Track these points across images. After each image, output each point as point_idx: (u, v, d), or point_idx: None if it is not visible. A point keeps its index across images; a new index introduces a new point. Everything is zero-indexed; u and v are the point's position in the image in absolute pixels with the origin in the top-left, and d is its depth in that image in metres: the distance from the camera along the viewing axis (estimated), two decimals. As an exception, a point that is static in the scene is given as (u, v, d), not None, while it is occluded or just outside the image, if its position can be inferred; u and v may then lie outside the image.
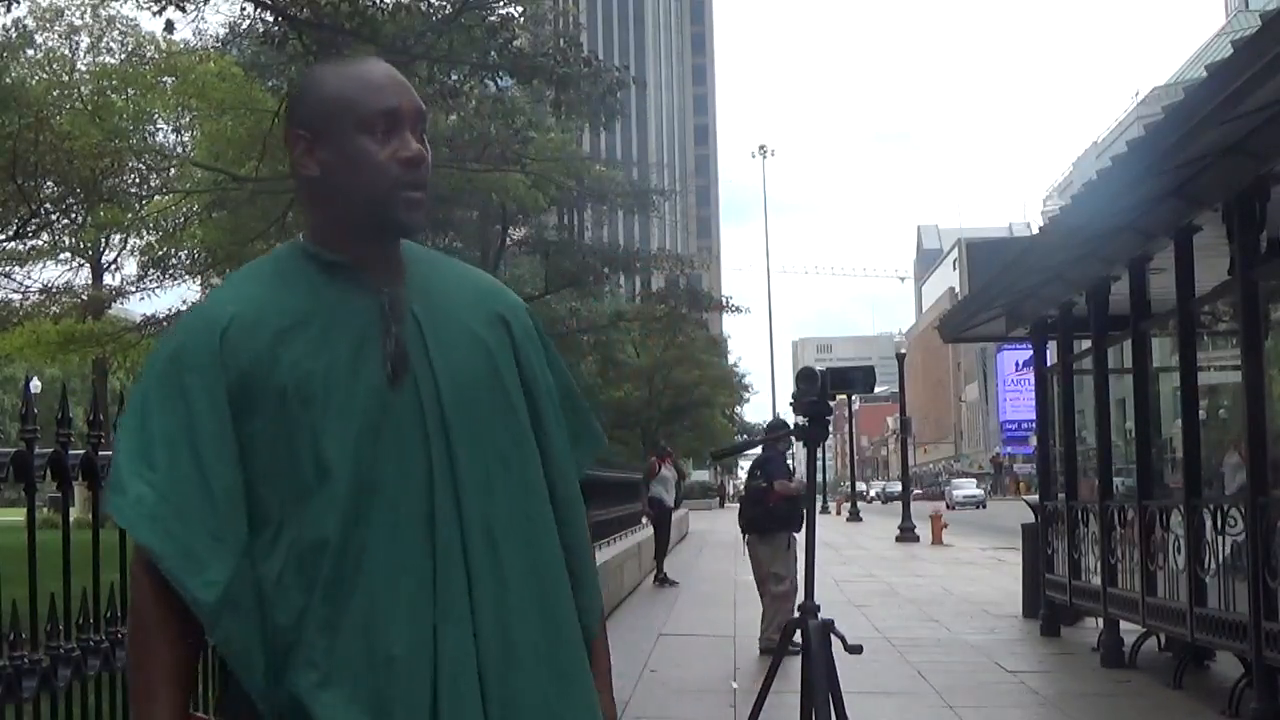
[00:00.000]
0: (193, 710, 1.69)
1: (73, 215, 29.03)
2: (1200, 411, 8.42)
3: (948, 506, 49.47)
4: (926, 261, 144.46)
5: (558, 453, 1.83)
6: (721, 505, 62.10)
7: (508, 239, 33.94)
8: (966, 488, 66.08)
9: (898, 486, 75.39)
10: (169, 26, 20.42)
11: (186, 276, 31.43)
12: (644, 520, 17.48)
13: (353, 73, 1.77)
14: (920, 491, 74.78)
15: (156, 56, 29.58)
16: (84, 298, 32.73)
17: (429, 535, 1.66)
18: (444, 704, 1.62)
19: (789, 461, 10.79)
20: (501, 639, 1.67)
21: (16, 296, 33.01)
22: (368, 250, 1.73)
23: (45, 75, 29.65)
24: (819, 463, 5.16)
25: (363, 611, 1.62)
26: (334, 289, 1.72)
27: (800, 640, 4.65)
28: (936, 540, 25.55)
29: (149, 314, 31.00)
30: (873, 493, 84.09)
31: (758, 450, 11.14)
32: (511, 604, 1.68)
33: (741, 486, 12.12)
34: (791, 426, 6.02)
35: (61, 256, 33.35)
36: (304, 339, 1.68)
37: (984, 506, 56.57)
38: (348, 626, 1.62)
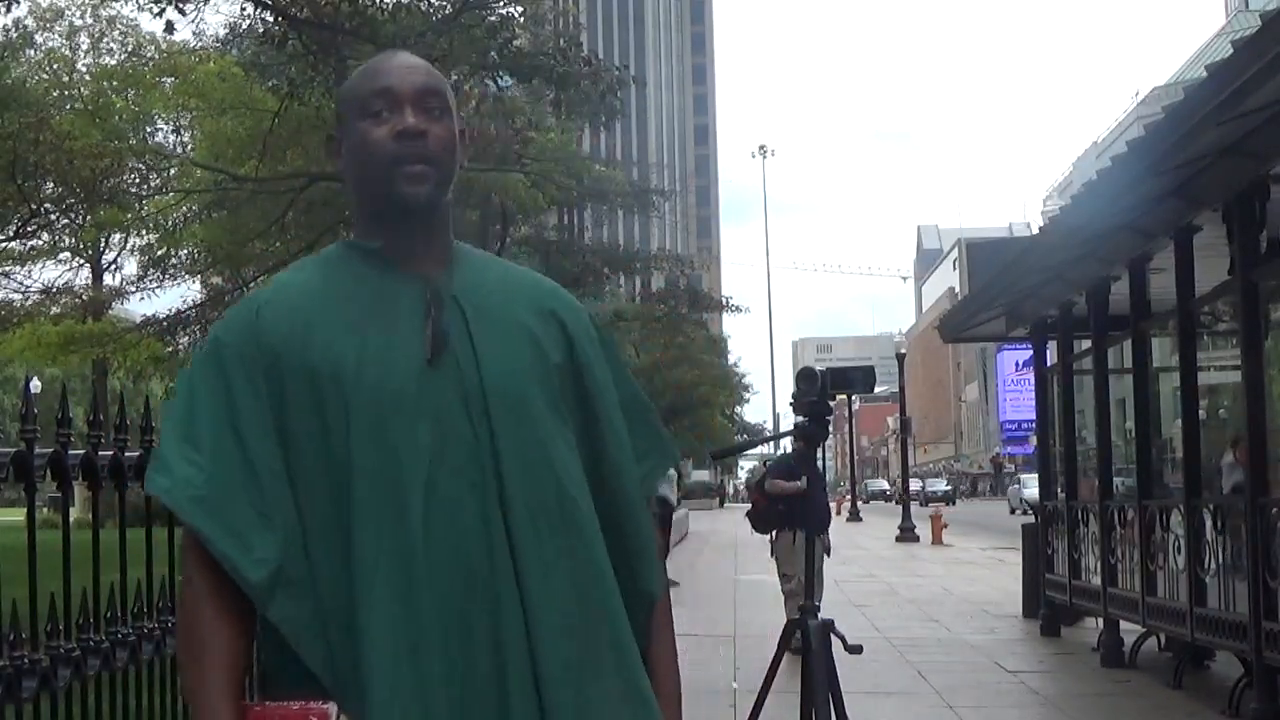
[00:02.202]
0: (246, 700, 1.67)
1: (73, 215, 29.04)
2: (1200, 411, 8.43)
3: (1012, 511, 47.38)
4: (926, 261, 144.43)
5: (617, 455, 1.80)
6: (721, 505, 62.06)
7: (508, 239, 33.94)
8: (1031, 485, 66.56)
9: (940, 483, 74.16)
10: (169, 27, 20.40)
11: (186, 276, 31.43)
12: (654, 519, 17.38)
13: (363, 68, 1.81)
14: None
15: (156, 56, 29.59)
16: (84, 298, 32.75)
17: (475, 514, 1.65)
18: (504, 681, 1.61)
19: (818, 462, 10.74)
20: (544, 620, 1.65)
21: (16, 297, 33.05)
22: (407, 239, 1.73)
23: (45, 75, 29.65)
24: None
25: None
26: (375, 275, 1.73)
27: (800, 639, 4.65)
28: (936, 540, 25.55)
29: (149, 314, 31.00)
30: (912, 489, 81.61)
31: (758, 450, 11.12)
32: (553, 586, 1.66)
33: (742, 486, 12.10)
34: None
35: (61, 256, 33.37)
36: (340, 319, 1.69)
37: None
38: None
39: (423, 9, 19.55)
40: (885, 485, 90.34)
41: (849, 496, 50.75)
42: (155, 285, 32.39)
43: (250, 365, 1.67)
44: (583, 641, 1.67)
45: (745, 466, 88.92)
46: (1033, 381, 12.70)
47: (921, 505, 54.85)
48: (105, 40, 31.21)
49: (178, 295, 43.99)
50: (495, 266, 1.85)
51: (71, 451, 3.38)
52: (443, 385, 1.67)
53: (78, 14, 31.01)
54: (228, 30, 25.89)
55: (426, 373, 1.67)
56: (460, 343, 1.70)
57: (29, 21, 29.58)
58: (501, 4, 20.78)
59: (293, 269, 1.82)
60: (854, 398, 71.62)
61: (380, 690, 1.58)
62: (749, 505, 10.24)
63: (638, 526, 1.81)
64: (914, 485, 69.09)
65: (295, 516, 1.64)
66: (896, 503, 52.77)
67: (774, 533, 9.91)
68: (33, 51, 30.24)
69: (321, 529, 1.64)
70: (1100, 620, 9.46)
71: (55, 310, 31.75)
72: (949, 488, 73.35)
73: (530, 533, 1.66)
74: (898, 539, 27.07)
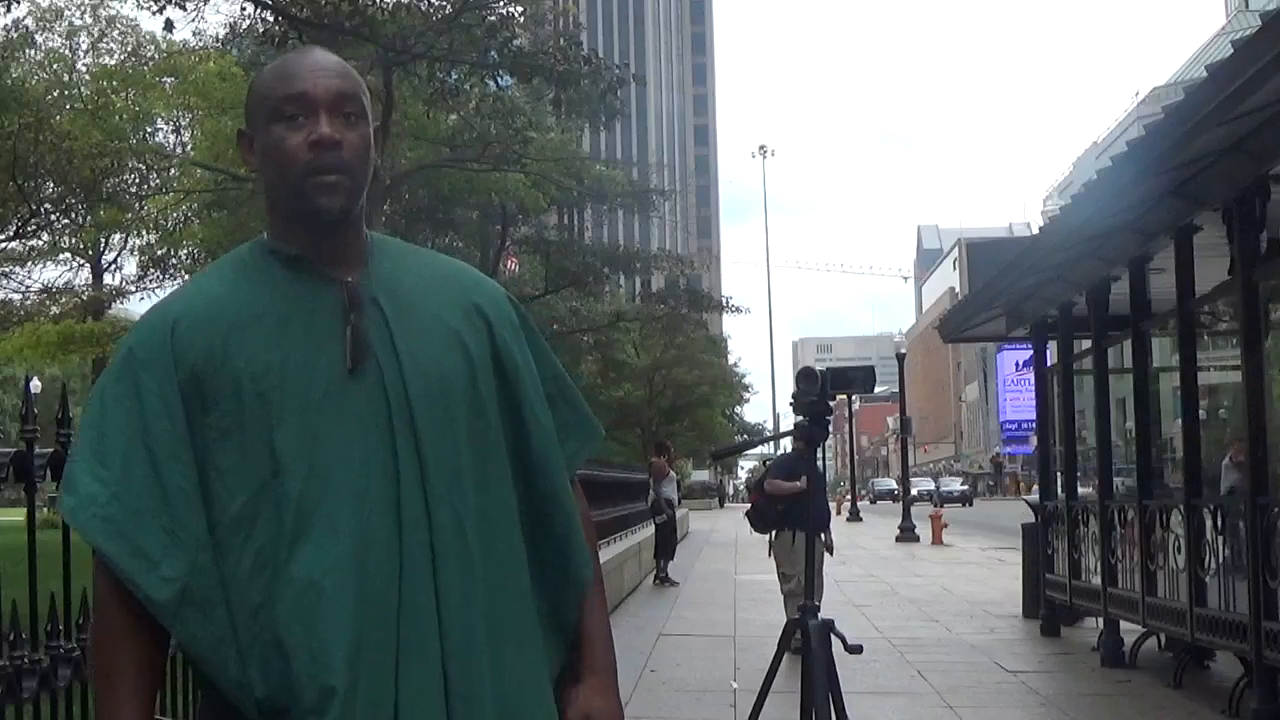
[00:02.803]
0: (159, 716, 1.67)
1: (73, 215, 29.05)
2: (1200, 411, 8.42)
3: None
4: (926, 261, 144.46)
5: (540, 443, 1.79)
6: (721, 505, 62.02)
7: (508, 239, 33.94)
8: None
9: (956, 483, 68.28)
10: (169, 26, 20.46)
11: (186, 276, 31.44)
12: (664, 517, 17.18)
13: (277, 65, 1.76)
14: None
15: (156, 56, 29.61)
16: (84, 298, 32.76)
17: (395, 525, 1.63)
18: (404, 693, 1.60)
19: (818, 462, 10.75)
20: (463, 629, 1.64)
21: (16, 296, 33.07)
22: (321, 242, 1.70)
23: (45, 75, 29.66)
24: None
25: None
26: (293, 282, 1.70)
27: (800, 639, 4.65)
28: (936, 540, 25.54)
29: (149, 314, 30.96)
30: (916, 490, 73.71)
31: (758, 450, 11.12)
32: (477, 594, 1.66)
33: (742, 486, 12.11)
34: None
35: (61, 256, 33.40)
36: (260, 331, 1.66)
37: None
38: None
39: (423, 9, 19.56)
40: (893, 485, 79.71)
41: (849, 496, 50.61)
42: (155, 285, 32.43)
43: (165, 381, 1.64)
44: (490, 646, 1.68)
45: (745, 466, 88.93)
46: (1033, 381, 12.70)
47: (938, 506, 53.07)
48: (105, 40, 31.24)
49: (178, 295, 44.05)
50: (414, 259, 1.82)
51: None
52: (366, 393, 1.65)
53: (78, 14, 31.05)
54: (228, 30, 25.89)
55: (349, 381, 1.65)
56: (382, 347, 1.68)
57: (29, 21, 29.60)
58: (501, 4, 20.80)
59: (205, 276, 1.77)
60: (854, 398, 71.15)
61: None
62: (749, 505, 10.23)
63: (565, 514, 1.81)
64: (927, 485, 67.01)
65: (205, 535, 1.61)
66: (897, 501, 51.98)
67: (774, 533, 9.91)
68: (33, 51, 30.25)
69: (242, 543, 1.61)
70: (1100, 620, 9.45)
71: (55, 310, 31.76)
72: (965, 487, 68.23)
73: (452, 547, 1.66)
74: (898, 539, 27.06)
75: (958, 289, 78.69)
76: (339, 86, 1.69)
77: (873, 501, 70.41)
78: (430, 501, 1.65)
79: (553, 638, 1.79)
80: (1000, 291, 11.07)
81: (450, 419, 1.69)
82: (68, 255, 33.58)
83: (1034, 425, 15.53)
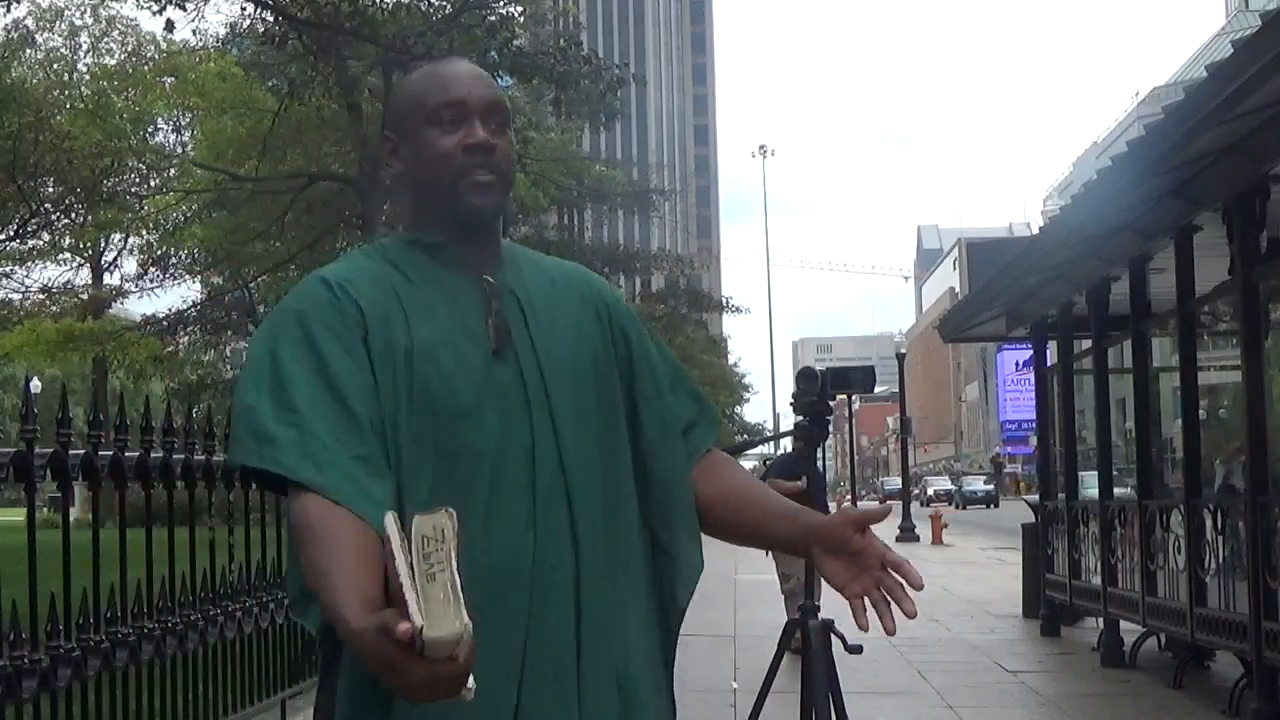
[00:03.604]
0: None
1: (73, 215, 29.04)
2: (1200, 411, 8.42)
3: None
4: (926, 261, 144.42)
5: (660, 432, 1.87)
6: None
7: (508, 238, 33.92)
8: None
9: (979, 482, 59.94)
10: (169, 26, 20.45)
11: (186, 276, 31.46)
12: None
13: (428, 71, 1.86)
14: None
15: (156, 56, 29.60)
16: (84, 297, 32.76)
17: (530, 507, 1.69)
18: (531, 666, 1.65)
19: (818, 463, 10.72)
20: (596, 607, 1.71)
21: (16, 296, 33.07)
22: (465, 241, 1.80)
23: (45, 75, 29.66)
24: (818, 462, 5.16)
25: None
26: (436, 269, 1.79)
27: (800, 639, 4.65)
28: (936, 540, 25.55)
29: (149, 313, 31.01)
30: (933, 489, 62.87)
31: (758, 450, 11.09)
32: (606, 571, 1.73)
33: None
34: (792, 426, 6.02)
35: (61, 256, 33.37)
36: (412, 306, 1.73)
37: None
38: None
39: (423, 9, 19.56)
40: (980, 483, 69.22)
41: (849, 496, 50.49)
42: (155, 285, 32.44)
43: (339, 332, 1.69)
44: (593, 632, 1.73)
45: (745, 466, 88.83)
46: (1033, 381, 12.70)
47: (959, 508, 50.65)
48: (105, 40, 31.23)
49: (178, 295, 44.01)
50: (541, 261, 1.93)
51: (71, 451, 3.39)
52: (507, 377, 1.73)
53: (78, 14, 31.04)
54: (228, 30, 25.91)
55: (493, 363, 1.73)
56: (520, 338, 1.76)
57: (29, 21, 29.60)
58: (501, 4, 20.80)
59: (351, 257, 1.86)
60: (854, 398, 70.88)
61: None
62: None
63: (682, 503, 1.88)
64: (943, 484, 64.90)
65: (387, 469, 1.65)
66: (923, 504, 50.56)
67: None
68: (33, 51, 30.25)
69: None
70: (1100, 620, 9.46)
71: (55, 310, 31.76)
72: (990, 486, 59.43)
73: (592, 528, 1.73)
74: (898, 539, 27.05)
75: (958, 289, 78.66)
76: (491, 96, 1.81)
77: (881, 501, 67.47)
78: (569, 484, 1.72)
79: (661, 621, 1.86)
80: (1000, 291, 11.07)
81: (580, 406, 1.77)
82: (68, 255, 33.56)
83: (1034, 425, 15.52)
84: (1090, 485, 9.63)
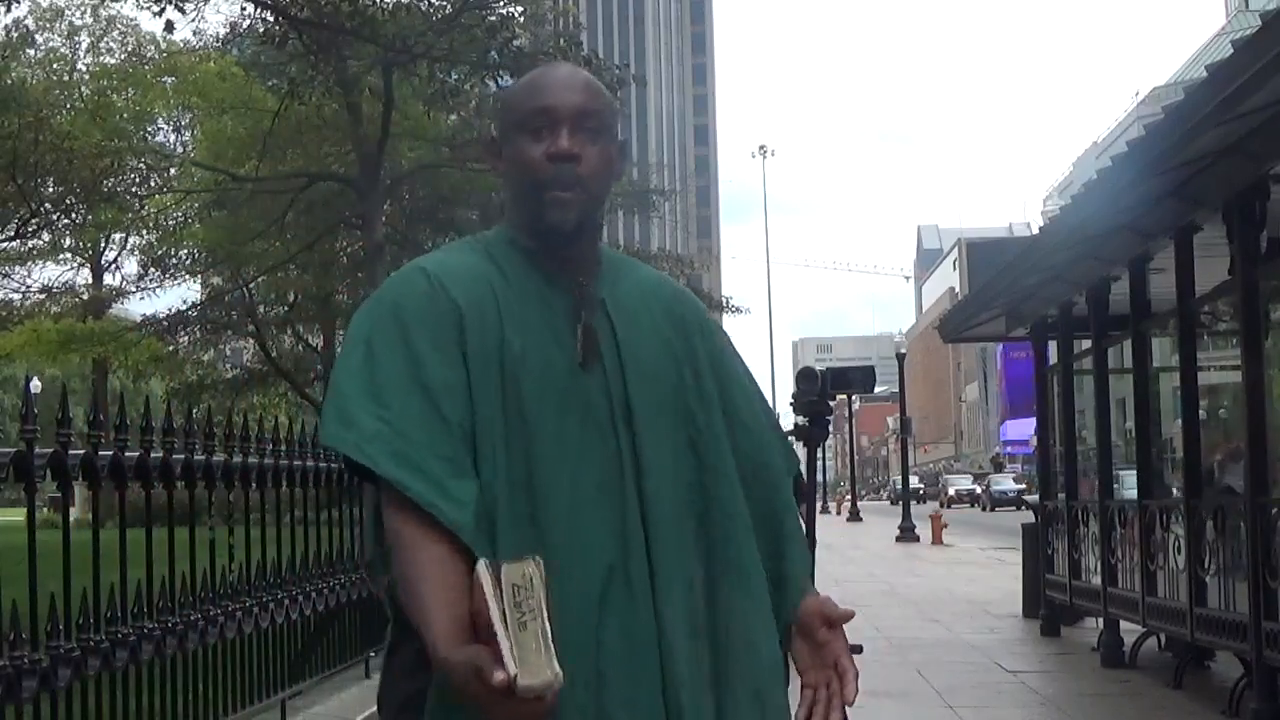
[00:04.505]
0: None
1: (73, 215, 29.04)
2: (1200, 411, 8.42)
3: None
4: (926, 261, 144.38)
5: (754, 446, 1.88)
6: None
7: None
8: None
9: (1008, 481, 50.85)
10: (169, 26, 20.43)
11: (186, 276, 31.44)
12: None
13: (529, 77, 1.87)
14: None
15: (156, 56, 29.61)
16: (84, 297, 32.76)
17: (605, 520, 1.69)
18: (612, 670, 1.65)
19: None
20: (679, 614, 1.72)
21: (16, 296, 33.07)
22: (559, 249, 1.79)
23: (45, 75, 29.66)
24: (819, 462, 5.15)
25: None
26: (530, 273, 1.79)
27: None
28: (936, 540, 25.55)
29: (149, 314, 30.99)
30: (955, 489, 58.35)
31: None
32: (679, 590, 1.73)
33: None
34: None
35: (61, 256, 33.39)
36: (507, 307, 1.74)
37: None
38: None
39: (423, 9, 19.57)
40: (915, 481, 58.03)
41: (849, 497, 50.28)
42: (155, 285, 32.42)
43: (435, 329, 1.70)
44: (711, 644, 1.77)
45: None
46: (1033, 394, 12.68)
47: (986, 510, 46.99)
48: (105, 40, 31.25)
49: (178, 295, 43.97)
50: (629, 269, 1.91)
51: (71, 451, 3.39)
52: (591, 387, 1.74)
53: (78, 14, 31.05)
54: (228, 30, 25.87)
55: (578, 373, 1.73)
56: (607, 348, 1.77)
57: (29, 21, 29.60)
58: (501, 4, 20.78)
59: (453, 247, 1.87)
60: (854, 398, 70.63)
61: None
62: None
63: (785, 517, 1.91)
64: (964, 483, 60.52)
65: (473, 469, 1.66)
66: (942, 505, 47.41)
67: None
68: (33, 51, 30.26)
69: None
70: (1100, 620, 9.46)
71: (55, 310, 31.76)
72: (1021, 486, 48.29)
73: (668, 537, 1.73)
74: (898, 539, 27.07)
75: (958, 289, 78.67)
76: (582, 102, 1.78)
77: (894, 503, 57.92)
78: (644, 495, 1.72)
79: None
80: (1000, 291, 11.07)
81: (667, 421, 1.78)
82: (68, 255, 33.58)
83: (1031, 439, 15.50)
84: (1129, 485, 9.53)
